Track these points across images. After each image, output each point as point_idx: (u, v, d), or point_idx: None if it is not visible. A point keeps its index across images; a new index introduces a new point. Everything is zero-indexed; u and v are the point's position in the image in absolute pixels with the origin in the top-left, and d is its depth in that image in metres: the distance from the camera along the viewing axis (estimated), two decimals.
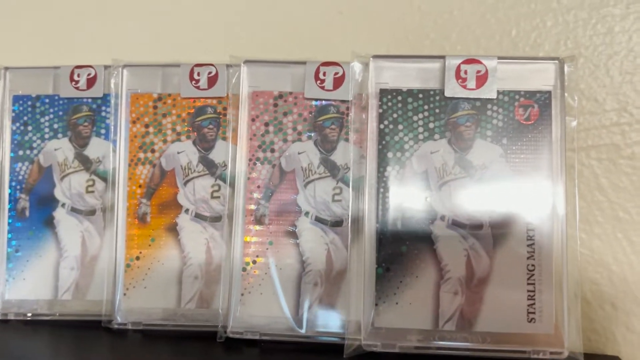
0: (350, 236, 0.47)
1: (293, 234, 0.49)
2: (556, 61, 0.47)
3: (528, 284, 0.45)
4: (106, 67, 0.55)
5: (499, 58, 0.47)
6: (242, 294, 0.49)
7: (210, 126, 0.52)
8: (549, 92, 0.46)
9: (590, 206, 0.48)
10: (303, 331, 0.48)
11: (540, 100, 0.46)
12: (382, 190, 0.46)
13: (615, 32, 0.48)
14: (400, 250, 0.46)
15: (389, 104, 0.47)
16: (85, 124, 0.55)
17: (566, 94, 0.46)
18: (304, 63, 0.50)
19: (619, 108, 0.47)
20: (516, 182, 0.46)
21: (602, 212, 0.48)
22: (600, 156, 0.48)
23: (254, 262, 0.49)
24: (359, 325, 0.45)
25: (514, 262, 0.45)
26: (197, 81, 0.52)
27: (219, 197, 0.51)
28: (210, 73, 0.52)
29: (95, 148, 0.55)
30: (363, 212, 0.46)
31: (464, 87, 0.47)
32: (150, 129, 0.53)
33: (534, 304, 0.45)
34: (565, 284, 0.44)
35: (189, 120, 0.53)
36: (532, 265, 0.45)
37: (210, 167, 0.52)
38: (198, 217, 0.52)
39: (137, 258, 0.52)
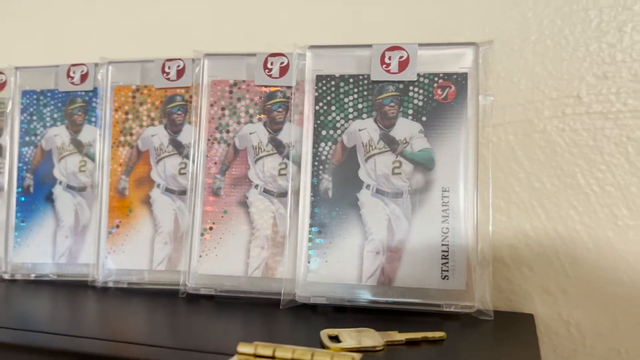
0: (292, 205, 0.53)
1: (244, 204, 0.56)
2: (473, 46, 0.52)
3: (442, 244, 0.50)
4: (96, 64, 0.64)
5: (420, 45, 0.53)
6: (200, 256, 0.56)
7: (179, 112, 0.60)
8: (466, 74, 0.52)
9: (508, 177, 0.53)
10: (251, 288, 0.55)
11: (457, 81, 0.52)
12: (316, 164, 0.53)
13: (528, 17, 0.52)
14: (330, 216, 0.52)
15: (324, 87, 0.54)
16: (79, 113, 0.64)
17: (482, 75, 0.51)
18: (254, 55, 0.57)
19: (532, 87, 0.52)
20: (434, 154, 0.51)
21: (518, 182, 0.53)
22: (516, 131, 0.53)
23: (211, 228, 0.56)
24: (295, 281, 0.52)
25: (430, 226, 0.50)
26: (168, 74, 0.60)
27: (185, 173, 0.59)
28: (178, 66, 0.60)
29: (87, 134, 0.64)
30: (302, 183, 0.53)
31: (388, 71, 0.53)
32: (130, 116, 0.61)
33: (447, 262, 0.50)
34: (475, 245, 0.49)
35: (162, 108, 0.61)
36: (447, 228, 0.50)
37: (178, 147, 0.60)
38: (168, 191, 0.60)
39: (117, 226, 0.60)
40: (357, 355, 0.37)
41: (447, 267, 0.50)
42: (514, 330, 0.47)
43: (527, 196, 0.52)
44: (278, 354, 0.37)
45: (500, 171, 0.53)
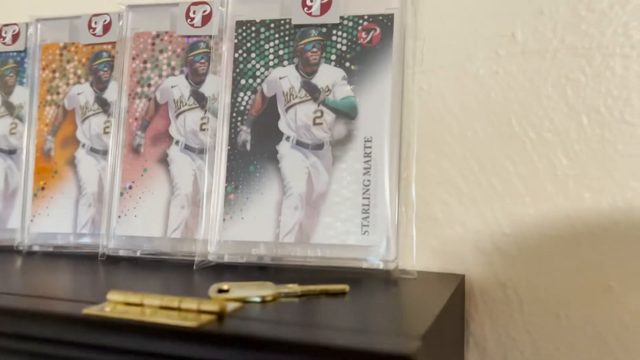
0: (209, 161, 0.50)
1: (165, 162, 0.53)
2: None
3: (363, 198, 0.46)
4: (27, 23, 0.62)
5: None
6: (119, 217, 0.53)
7: (105, 69, 0.58)
8: (392, 15, 0.48)
9: (439, 127, 0.48)
10: (170, 250, 0.52)
11: (383, 23, 0.48)
12: (234, 115, 0.49)
13: None
14: (248, 170, 0.49)
15: (244, 34, 0.50)
16: (11, 74, 0.62)
17: (410, 16, 0.47)
18: (177, 4, 0.54)
19: (463, 26, 0.48)
20: (357, 103, 0.47)
21: (450, 132, 0.48)
22: (447, 76, 0.48)
23: (130, 187, 0.53)
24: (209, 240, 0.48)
25: (351, 179, 0.47)
26: (95, 29, 0.58)
27: (109, 132, 0.56)
28: (105, 21, 0.58)
29: (18, 95, 0.62)
30: (219, 137, 0.50)
31: (310, 14, 0.49)
32: (57, 74, 0.59)
33: (368, 217, 0.46)
34: (397, 200, 0.45)
35: (88, 65, 0.58)
36: (368, 180, 0.46)
37: (103, 105, 0.57)
38: (93, 151, 0.57)
39: (43, 188, 0.58)
40: (228, 303, 0.33)
41: (368, 221, 0.46)
42: (434, 290, 0.42)
43: (459, 147, 0.48)
44: (146, 301, 0.34)
45: (431, 120, 0.48)
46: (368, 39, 0.48)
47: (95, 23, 0.58)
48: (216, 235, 0.48)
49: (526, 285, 0.46)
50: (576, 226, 0.44)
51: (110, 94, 0.57)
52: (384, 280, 0.44)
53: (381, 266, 0.45)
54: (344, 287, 0.39)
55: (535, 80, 0.45)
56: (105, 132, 0.57)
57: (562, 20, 0.45)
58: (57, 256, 0.56)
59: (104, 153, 0.56)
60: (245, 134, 0.49)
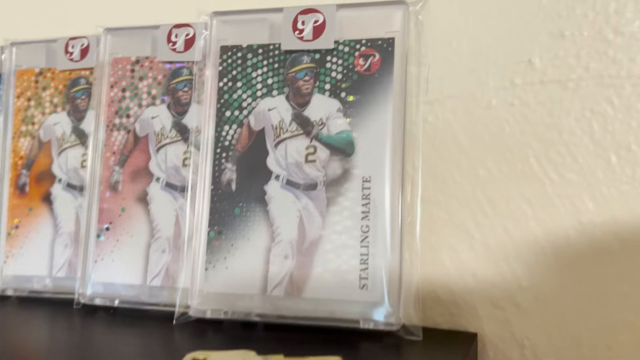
0: (191, 201, 0.45)
1: (144, 200, 0.48)
2: (402, 5, 0.43)
3: (361, 246, 0.41)
4: (2, 47, 0.57)
5: (339, 6, 0.44)
6: (96, 261, 0.48)
7: (83, 97, 0.53)
8: (392, 39, 0.42)
9: (447, 163, 0.43)
10: (150, 299, 0.47)
11: (383, 48, 0.43)
12: (218, 150, 0.45)
13: None
14: (233, 213, 0.44)
15: (229, 60, 0.45)
16: None
17: (413, 40, 0.42)
18: (158, 27, 0.49)
19: (474, 52, 0.42)
20: (354, 138, 0.42)
21: (459, 169, 0.43)
22: (455, 107, 0.43)
23: (107, 228, 0.48)
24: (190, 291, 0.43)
25: (347, 224, 0.41)
26: (72, 53, 0.53)
27: (87, 166, 0.52)
28: (82, 45, 0.53)
29: None
30: (201, 175, 0.45)
31: (301, 39, 0.44)
32: (32, 103, 0.54)
33: (366, 268, 0.41)
34: (400, 248, 0.39)
35: (65, 92, 0.53)
36: (367, 226, 0.41)
37: (81, 137, 0.53)
38: (70, 186, 0.52)
39: (17, 227, 0.53)
40: None
41: (367, 274, 0.40)
42: (443, 354, 0.37)
43: (470, 186, 0.42)
44: None
45: (437, 157, 0.43)
46: (366, 66, 0.43)
47: (73, 47, 0.53)
48: (198, 285, 0.43)
49: (547, 345, 0.40)
50: (605, 281, 0.39)
51: (88, 124, 0.52)
52: (384, 344, 0.38)
53: (382, 327, 0.39)
54: (336, 358, 0.34)
55: (556, 113, 0.40)
56: (83, 166, 0.52)
57: (586, 45, 0.39)
58: (32, 302, 0.52)
59: (82, 189, 0.52)
60: (230, 172, 0.44)
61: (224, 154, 0.44)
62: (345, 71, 0.43)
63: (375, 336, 0.39)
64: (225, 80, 0.45)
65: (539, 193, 0.40)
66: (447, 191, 0.43)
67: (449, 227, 0.43)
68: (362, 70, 0.43)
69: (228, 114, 0.45)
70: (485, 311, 0.42)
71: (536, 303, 0.41)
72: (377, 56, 0.43)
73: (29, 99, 0.54)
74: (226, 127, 0.45)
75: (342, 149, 0.42)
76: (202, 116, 0.45)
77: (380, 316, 0.40)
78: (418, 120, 0.41)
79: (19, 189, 0.54)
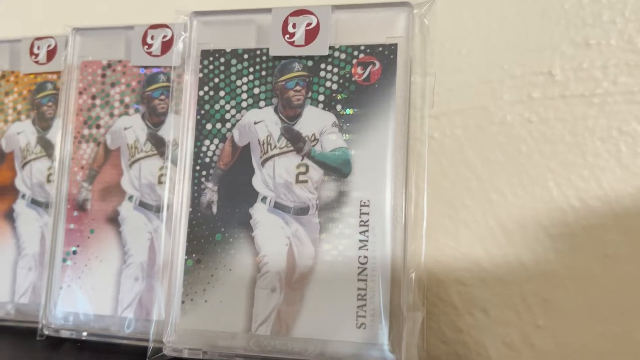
0: (166, 223, 0.40)
1: (116, 221, 0.43)
2: (405, 7, 0.38)
3: (359, 280, 0.36)
4: None
5: (335, 7, 0.39)
6: (62, 288, 0.43)
7: (49, 103, 0.48)
8: (395, 46, 0.38)
9: (455, 186, 0.38)
10: (121, 332, 0.42)
11: (384, 56, 0.38)
12: (198, 168, 0.40)
13: None
14: (214, 239, 0.39)
15: (210, 67, 0.40)
16: None
17: (418, 47, 0.37)
18: (132, 27, 0.44)
19: (487, 61, 0.38)
20: (351, 156, 0.37)
21: (469, 192, 0.38)
22: (466, 122, 0.38)
23: (75, 252, 0.43)
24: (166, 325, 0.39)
25: (343, 253, 0.37)
26: (37, 55, 0.48)
27: (52, 181, 0.47)
28: (49, 46, 0.48)
29: None
30: (178, 195, 0.40)
31: (292, 43, 0.39)
32: None
33: (364, 305, 0.36)
34: (404, 282, 0.35)
35: (30, 98, 0.48)
36: (365, 257, 0.36)
37: (47, 148, 0.47)
38: (34, 203, 0.47)
39: None
40: None
41: (365, 311, 0.36)
42: None
43: (481, 212, 0.38)
44: None
45: (444, 178, 0.38)
46: (365, 75, 0.38)
47: (38, 48, 0.48)
48: (174, 320, 0.38)
49: None
50: (632, 319, 0.35)
51: (55, 134, 0.47)
52: None
53: None
54: None
55: (579, 132, 0.36)
56: (49, 181, 0.47)
57: (614, 55, 0.35)
58: None
59: (48, 206, 0.47)
60: (210, 193, 0.39)
61: (204, 172, 0.40)
62: (341, 81, 0.38)
63: None
64: (206, 88, 0.40)
65: (559, 222, 0.36)
66: (456, 217, 0.38)
67: (458, 259, 0.38)
68: (361, 80, 0.38)
69: (209, 126, 0.40)
70: (497, 352, 0.37)
71: (553, 343, 0.36)
72: (378, 64, 0.38)
73: None
74: (207, 142, 0.40)
75: (338, 168, 0.38)
76: (180, 128, 0.41)
77: (380, 358, 0.35)
78: (423, 136, 0.37)
79: None
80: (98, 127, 0.44)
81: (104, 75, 0.45)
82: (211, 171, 0.39)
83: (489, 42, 0.38)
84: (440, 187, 0.39)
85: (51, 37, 0.48)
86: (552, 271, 0.36)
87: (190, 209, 0.39)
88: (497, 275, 0.38)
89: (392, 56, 0.38)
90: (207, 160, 0.40)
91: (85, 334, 0.43)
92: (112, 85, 0.44)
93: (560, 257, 0.36)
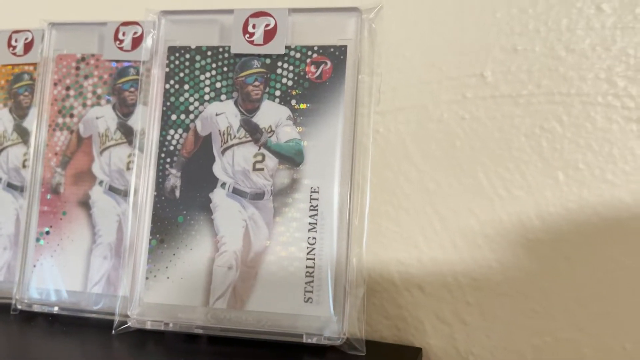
0: (134, 206, 0.43)
1: (86, 204, 0.46)
2: (355, 12, 0.42)
3: (307, 259, 0.40)
4: None
5: (291, 10, 0.42)
6: (35, 266, 0.46)
7: (26, 93, 0.51)
8: (345, 47, 0.41)
9: (397, 176, 0.42)
10: (90, 306, 0.45)
11: (335, 56, 0.41)
12: (163, 155, 0.43)
13: None
14: (176, 221, 0.42)
15: (177, 62, 0.44)
16: None
17: (366, 49, 0.41)
18: (105, 24, 0.47)
19: (428, 63, 0.42)
20: (303, 147, 0.41)
21: (409, 182, 0.42)
22: (408, 119, 0.42)
23: (48, 232, 0.46)
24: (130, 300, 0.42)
25: (294, 235, 0.40)
26: (15, 47, 0.51)
27: (27, 166, 0.50)
28: (26, 39, 0.51)
29: None
30: (144, 180, 0.43)
31: (251, 42, 0.42)
32: None
33: (312, 281, 0.40)
34: (346, 261, 0.38)
35: (7, 88, 0.51)
36: (314, 238, 0.40)
37: (23, 135, 0.50)
38: (10, 186, 0.50)
39: None
40: None
41: (312, 287, 0.40)
42: None
43: (419, 200, 0.42)
44: None
45: (387, 169, 0.42)
46: (317, 73, 0.42)
47: (16, 40, 0.51)
48: (138, 295, 0.42)
49: None
50: (551, 298, 0.39)
51: (31, 122, 0.50)
52: (328, 358, 0.38)
53: (325, 341, 0.39)
54: None
55: (506, 129, 0.40)
56: (25, 166, 0.50)
57: (538, 61, 0.39)
58: None
59: (23, 190, 0.50)
60: (174, 179, 0.43)
61: (168, 159, 0.43)
62: (296, 78, 0.42)
63: (319, 350, 0.39)
64: (172, 82, 0.44)
65: (488, 209, 0.40)
66: (397, 203, 0.42)
67: (398, 240, 0.42)
68: (314, 78, 0.42)
69: (174, 117, 0.43)
70: (431, 326, 0.41)
71: (481, 319, 0.40)
72: (329, 64, 0.42)
73: None
74: (171, 131, 0.43)
75: (291, 157, 0.41)
76: (147, 119, 0.44)
77: (323, 331, 0.39)
78: (369, 131, 0.40)
79: None
80: (72, 116, 0.47)
81: (77, 68, 0.48)
82: (175, 158, 0.43)
83: (430, 46, 0.42)
84: (384, 178, 0.43)
85: (28, 30, 0.51)
86: (481, 253, 0.40)
87: (155, 193, 0.43)
88: (432, 257, 0.41)
89: (342, 57, 0.41)
90: (172, 148, 0.43)
91: (56, 308, 0.46)
92: (86, 77, 0.47)
93: (487, 241, 0.40)
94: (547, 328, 0.39)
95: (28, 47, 0.51)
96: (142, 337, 0.42)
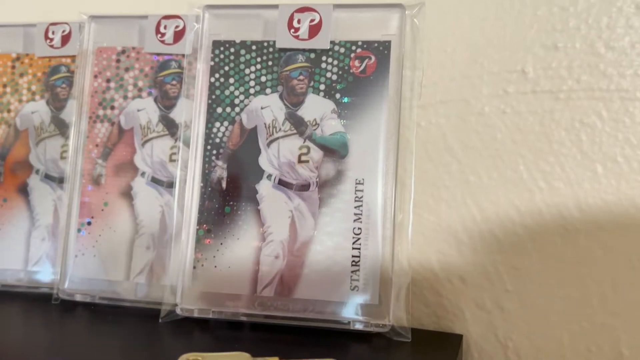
0: (179, 197, 0.44)
1: (128, 195, 0.47)
2: (398, 8, 0.43)
3: (353, 248, 0.41)
4: None
5: (336, 6, 0.43)
6: (76, 256, 0.47)
7: (64, 85, 0.51)
8: (389, 42, 0.43)
9: (438, 168, 0.43)
10: (133, 296, 0.46)
11: (379, 51, 0.43)
12: (209, 147, 0.44)
13: None
14: (223, 211, 0.43)
15: (221, 56, 0.44)
16: None
17: (409, 44, 0.42)
18: (146, 17, 0.48)
19: (469, 58, 0.43)
20: (348, 139, 0.42)
21: (450, 174, 0.43)
22: (448, 112, 0.44)
23: (89, 223, 0.47)
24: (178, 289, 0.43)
25: (339, 225, 0.41)
26: (52, 40, 0.51)
27: (66, 158, 0.50)
28: (64, 31, 0.51)
29: None
30: (191, 172, 0.44)
31: (297, 37, 0.43)
32: (8, 89, 0.52)
33: (358, 270, 0.41)
34: (392, 251, 0.40)
35: (44, 80, 0.51)
36: (359, 228, 0.41)
37: (61, 127, 0.51)
38: (48, 177, 0.51)
39: None
40: None
41: (358, 275, 0.41)
42: (430, 355, 0.38)
43: (459, 192, 0.43)
44: None
45: (428, 161, 0.44)
46: (362, 68, 0.43)
47: (53, 33, 0.51)
48: (186, 284, 0.43)
49: (529, 346, 0.42)
50: (588, 286, 0.40)
51: (68, 114, 0.51)
52: (374, 345, 0.39)
53: (372, 328, 0.40)
54: None
55: (546, 123, 0.41)
56: (63, 157, 0.50)
57: (578, 57, 0.40)
58: (5, 295, 0.50)
59: (60, 181, 0.50)
60: (220, 170, 0.44)
61: (214, 151, 0.44)
62: (340, 72, 0.43)
63: (365, 337, 0.40)
64: (217, 75, 0.44)
65: (527, 201, 0.41)
66: (438, 195, 0.44)
67: (438, 232, 0.43)
68: (358, 72, 0.43)
69: (219, 110, 0.44)
70: (470, 313, 0.43)
71: (520, 306, 0.42)
72: (373, 58, 0.43)
73: (4, 85, 0.52)
74: (217, 124, 0.44)
75: (336, 150, 0.42)
76: (192, 111, 0.45)
77: (370, 318, 0.40)
78: (411, 124, 0.41)
79: None
80: (112, 108, 0.48)
81: (118, 61, 0.48)
82: (221, 151, 0.44)
83: (471, 41, 0.43)
84: (425, 170, 0.44)
85: (65, 23, 0.51)
86: (520, 243, 0.42)
87: (202, 184, 0.43)
88: (472, 247, 0.43)
89: (386, 51, 0.43)
90: (217, 140, 0.44)
91: (97, 298, 0.46)
92: (126, 70, 0.48)
93: (527, 231, 0.42)
94: (583, 314, 0.41)
95: (65, 39, 0.51)
96: (188, 325, 0.42)
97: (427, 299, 0.44)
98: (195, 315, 0.42)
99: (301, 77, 0.43)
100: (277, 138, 0.43)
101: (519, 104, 0.42)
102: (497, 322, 0.42)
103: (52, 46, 0.51)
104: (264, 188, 0.43)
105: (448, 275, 0.43)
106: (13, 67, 0.52)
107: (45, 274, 0.50)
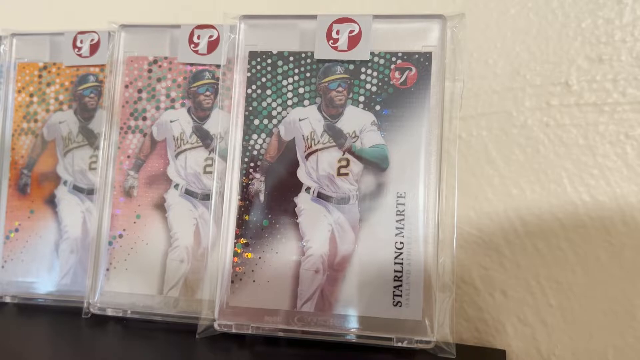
0: (215, 210, 0.44)
1: (161, 207, 0.46)
2: (439, 19, 0.42)
3: (395, 263, 0.41)
4: (2, 37, 0.54)
5: (375, 16, 0.43)
6: (108, 269, 0.46)
7: (92, 95, 0.50)
8: (430, 54, 0.42)
9: (479, 181, 0.43)
10: (167, 310, 0.45)
11: (420, 62, 0.42)
12: (246, 159, 0.43)
13: None
14: (261, 225, 0.42)
15: (258, 67, 0.44)
16: None
17: (450, 56, 0.41)
18: (179, 26, 0.47)
19: (511, 71, 0.42)
20: (388, 152, 0.41)
21: (492, 187, 0.43)
22: (490, 125, 0.43)
23: (121, 236, 0.46)
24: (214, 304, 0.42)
25: (381, 239, 0.41)
26: (80, 49, 0.50)
27: (96, 168, 0.49)
28: (92, 40, 0.50)
29: None
30: (228, 184, 0.43)
31: (336, 48, 0.43)
32: (35, 99, 0.51)
33: (400, 285, 0.40)
34: (436, 265, 0.39)
35: (72, 89, 0.51)
36: (401, 243, 0.41)
37: (89, 137, 0.50)
38: (76, 189, 0.50)
39: (17, 230, 0.50)
40: None
41: (400, 291, 0.40)
42: None
43: (502, 206, 0.43)
44: None
45: (470, 174, 0.43)
46: (402, 79, 0.42)
47: (81, 42, 0.50)
48: (224, 299, 0.42)
49: None
50: (632, 300, 0.40)
51: (97, 124, 0.50)
52: None
53: (416, 345, 0.39)
54: None
55: (590, 136, 0.41)
56: (91, 168, 0.50)
57: (624, 70, 0.40)
58: (33, 310, 0.49)
59: (89, 192, 0.49)
60: (258, 183, 0.43)
61: (252, 164, 0.43)
62: (380, 84, 0.42)
63: (408, 353, 0.39)
64: (253, 87, 0.44)
65: (572, 215, 0.41)
66: (479, 209, 0.43)
67: (481, 245, 0.43)
68: (398, 84, 0.42)
69: (257, 122, 0.43)
70: (512, 328, 0.42)
71: (563, 321, 0.41)
72: (414, 70, 0.42)
73: (31, 95, 0.51)
74: (254, 136, 0.43)
75: (377, 163, 0.42)
76: (227, 123, 0.44)
77: (414, 334, 0.40)
78: (452, 136, 0.41)
79: (20, 190, 0.51)
80: (144, 119, 0.47)
81: (150, 71, 0.48)
82: (259, 163, 0.43)
83: (513, 53, 0.43)
84: (467, 182, 0.43)
85: (94, 31, 0.50)
86: (564, 257, 0.41)
87: (239, 197, 0.43)
88: (514, 261, 0.42)
89: (427, 63, 0.42)
90: (255, 153, 0.43)
91: (129, 312, 0.46)
92: (158, 80, 0.47)
93: (571, 245, 0.41)
94: (628, 329, 0.40)
95: (94, 48, 0.50)
96: (224, 341, 0.42)
97: (468, 314, 0.43)
98: (234, 330, 0.41)
99: (340, 89, 0.43)
100: (316, 150, 0.43)
101: (563, 117, 0.41)
102: (540, 337, 0.42)
103: (80, 55, 0.50)
104: (303, 201, 0.42)
105: (489, 289, 0.43)
106: (40, 76, 0.51)
107: (74, 287, 0.49)
